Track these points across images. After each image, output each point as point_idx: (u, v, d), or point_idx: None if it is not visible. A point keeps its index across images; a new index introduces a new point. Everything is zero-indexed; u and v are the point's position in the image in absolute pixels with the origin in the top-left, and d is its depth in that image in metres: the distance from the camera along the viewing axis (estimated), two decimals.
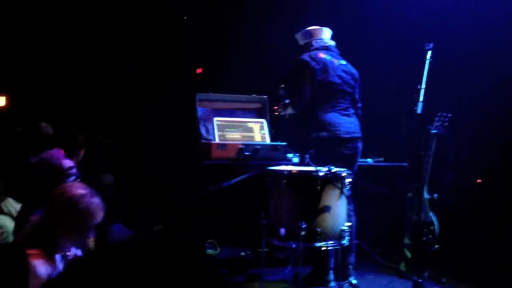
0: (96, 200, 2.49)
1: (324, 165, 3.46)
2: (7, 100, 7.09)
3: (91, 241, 3.94)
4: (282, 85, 4.36)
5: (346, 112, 4.17)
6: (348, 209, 3.72)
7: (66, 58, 6.50)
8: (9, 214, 3.23)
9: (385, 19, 5.43)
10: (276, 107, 4.43)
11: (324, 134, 3.98)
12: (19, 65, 6.53)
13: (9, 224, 3.19)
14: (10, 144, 5.18)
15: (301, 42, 4.33)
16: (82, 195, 2.48)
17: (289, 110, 4.32)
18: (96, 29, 6.47)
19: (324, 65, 4.08)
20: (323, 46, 4.23)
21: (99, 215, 2.48)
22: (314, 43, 4.25)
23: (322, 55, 4.15)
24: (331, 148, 3.98)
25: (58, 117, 5.56)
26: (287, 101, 4.31)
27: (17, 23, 6.34)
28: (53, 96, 6.45)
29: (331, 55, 4.20)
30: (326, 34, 4.31)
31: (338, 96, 4.13)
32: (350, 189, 3.61)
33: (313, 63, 4.05)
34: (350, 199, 3.90)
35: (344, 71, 4.19)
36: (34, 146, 4.82)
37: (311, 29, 4.27)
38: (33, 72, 6.57)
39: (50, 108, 6.20)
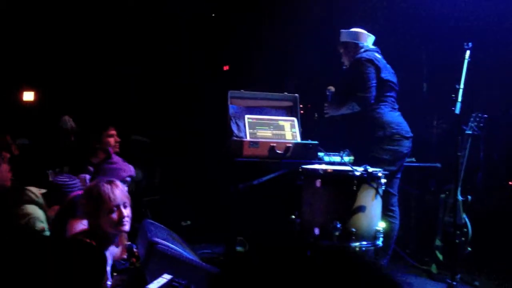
0: (107, 185, 2.68)
1: (383, 165, 3.47)
2: (35, 95, 7.20)
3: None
4: (330, 87, 4.38)
5: (399, 112, 4.27)
6: (395, 212, 3.75)
7: (98, 53, 6.57)
8: (32, 202, 3.27)
9: (416, 18, 5.36)
10: (325, 108, 4.41)
11: (389, 132, 4.02)
12: (48, 60, 6.62)
13: (34, 211, 3.24)
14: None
15: (346, 39, 4.34)
16: (95, 184, 2.72)
17: (344, 110, 4.27)
18: (127, 26, 6.52)
19: (384, 65, 4.17)
20: (374, 49, 4.28)
21: (114, 196, 2.65)
22: (363, 46, 4.28)
23: (377, 55, 4.21)
24: (394, 147, 4.01)
25: (86, 112, 5.63)
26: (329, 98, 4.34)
27: (45, 21, 6.41)
28: (82, 92, 6.53)
29: (382, 57, 4.29)
30: (371, 41, 4.38)
31: (393, 96, 4.23)
32: (398, 191, 3.64)
33: (376, 62, 4.09)
34: (396, 202, 3.93)
35: (393, 73, 4.28)
36: (57, 139, 4.90)
37: (361, 31, 4.33)
38: (63, 67, 6.66)
39: (78, 104, 6.27)
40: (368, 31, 4.41)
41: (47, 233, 3.18)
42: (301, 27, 5.76)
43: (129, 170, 3.59)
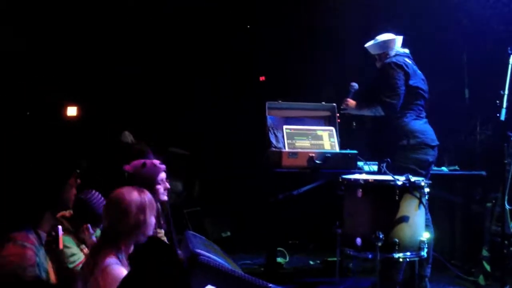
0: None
1: (408, 173, 3.39)
2: (78, 110, 7.39)
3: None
4: (354, 83, 4.31)
5: (426, 120, 4.15)
6: (426, 219, 3.62)
7: (135, 68, 6.71)
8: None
9: (457, 22, 5.27)
10: (346, 104, 4.27)
11: (413, 141, 3.92)
12: (90, 76, 6.80)
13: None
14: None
15: (376, 52, 4.26)
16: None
17: (366, 112, 4.20)
18: (168, 40, 6.63)
19: (413, 70, 4.08)
20: (404, 54, 4.20)
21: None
22: (393, 51, 4.19)
23: (408, 60, 4.12)
24: (419, 156, 3.91)
25: (128, 126, 5.73)
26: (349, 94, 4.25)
27: (86, 34, 6.59)
28: (123, 106, 6.67)
29: (412, 62, 4.17)
30: (399, 43, 4.25)
31: (421, 103, 4.11)
32: (427, 199, 3.52)
33: (406, 68, 4.01)
34: (427, 209, 3.80)
35: (423, 79, 4.16)
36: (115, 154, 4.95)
37: (387, 39, 4.20)
38: (104, 82, 6.82)
39: (120, 118, 6.41)
40: (408, 38, 4.31)
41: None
42: (338, 35, 5.73)
43: None
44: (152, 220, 2.58)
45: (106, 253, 2.43)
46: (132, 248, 2.54)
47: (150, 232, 2.61)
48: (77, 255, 3.09)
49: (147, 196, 2.57)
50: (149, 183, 3.16)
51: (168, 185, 3.42)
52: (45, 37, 6.34)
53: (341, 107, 4.34)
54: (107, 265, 2.36)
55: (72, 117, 7.35)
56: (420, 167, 3.87)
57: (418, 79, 4.11)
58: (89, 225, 3.16)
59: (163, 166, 3.36)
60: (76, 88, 6.90)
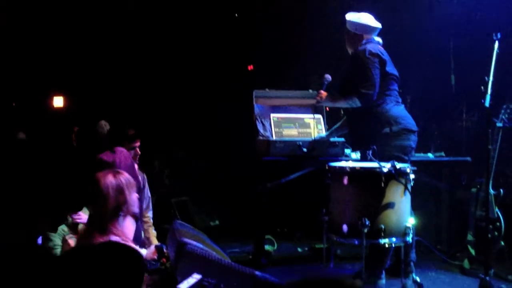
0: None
1: (392, 160, 3.41)
2: (64, 100, 7.34)
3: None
4: (327, 75, 4.21)
5: (403, 105, 4.13)
6: None
7: (123, 59, 6.66)
8: None
9: (443, 8, 5.27)
10: (319, 96, 4.21)
11: (395, 128, 3.90)
12: (77, 66, 6.74)
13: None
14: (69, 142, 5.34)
15: (353, 29, 4.15)
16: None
17: (343, 104, 4.16)
18: (149, 28, 6.59)
19: (388, 58, 4.04)
20: (378, 42, 4.16)
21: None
22: (370, 37, 4.14)
23: (381, 47, 4.09)
24: (402, 142, 3.91)
25: (114, 117, 5.70)
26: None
27: (73, 24, 6.52)
28: (110, 97, 6.63)
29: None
30: (376, 32, 4.21)
31: (396, 89, 4.09)
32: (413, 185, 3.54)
33: (382, 56, 3.98)
34: None
35: (394, 65, 4.12)
36: (91, 143, 4.97)
37: (371, 25, 4.15)
38: (90, 73, 6.77)
39: (107, 108, 6.37)
40: (394, 25, 4.29)
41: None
42: (326, 23, 5.72)
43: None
44: (133, 197, 2.68)
45: (95, 237, 2.51)
46: (124, 226, 2.63)
47: (135, 209, 2.71)
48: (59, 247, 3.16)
49: (123, 176, 2.67)
50: (126, 165, 3.20)
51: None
52: (32, 26, 6.27)
53: (316, 100, 4.28)
54: None
55: (58, 108, 7.31)
56: (403, 153, 3.88)
57: (392, 66, 4.07)
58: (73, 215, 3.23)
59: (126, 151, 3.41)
60: (63, 78, 6.85)
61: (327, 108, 4.82)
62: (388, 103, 3.97)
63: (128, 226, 2.69)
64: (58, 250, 3.30)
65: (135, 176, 3.16)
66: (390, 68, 4.03)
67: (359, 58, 3.99)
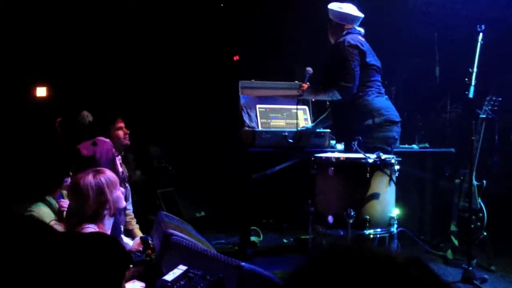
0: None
1: (376, 151, 3.42)
2: (48, 90, 7.24)
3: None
4: (308, 67, 4.19)
5: (386, 96, 4.12)
6: None
7: (107, 49, 6.58)
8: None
9: (428, 2, 5.29)
10: (302, 89, 4.18)
11: (378, 120, 3.88)
12: (60, 56, 6.65)
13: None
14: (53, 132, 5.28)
15: (335, 19, 4.15)
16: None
17: (323, 96, 4.14)
18: (134, 18, 6.52)
19: (368, 48, 4.02)
20: (358, 32, 4.14)
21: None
22: (351, 27, 4.13)
23: (361, 38, 4.07)
24: (385, 133, 3.90)
25: (98, 107, 5.65)
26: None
27: (58, 14, 6.42)
28: (94, 87, 6.56)
29: (365, 40, 4.12)
30: (357, 22, 4.19)
31: (379, 80, 4.07)
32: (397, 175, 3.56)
33: (361, 47, 3.96)
34: None
35: (375, 56, 4.11)
36: (74, 134, 4.93)
37: (353, 15, 4.13)
38: (73, 63, 6.69)
39: (91, 98, 6.30)
40: (377, 17, 4.28)
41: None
42: (310, 14, 5.69)
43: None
44: (116, 195, 2.64)
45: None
46: (109, 226, 2.59)
47: (121, 204, 2.69)
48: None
49: (104, 175, 2.63)
50: (108, 158, 3.15)
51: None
52: (16, 16, 6.16)
53: (297, 92, 4.26)
54: None
55: (41, 98, 7.20)
56: (386, 144, 3.87)
57: (373, 57, 4.05)
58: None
59: (109, 141, 3.36)
60: (46, 68, 6.75)
61: (313, 100, 4.81)
62: (370, 95, 3.95)
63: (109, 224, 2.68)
64: None
65: (116, 171, 3.12)
66: (371, 59, 4.01)
67: (339, 50, 3.97)
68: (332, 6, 4.15)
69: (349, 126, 3.97)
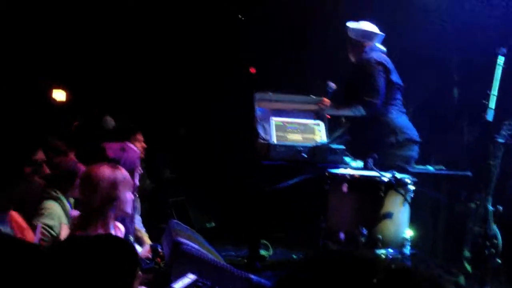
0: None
1: (394, 170, 3.40)
2: (67, 95, 7.32)
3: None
4: (331, 83, 4.21)
5: (407, 116, 4.12)
6: None
7: (125, 56, 6.65)
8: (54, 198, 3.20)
9: (449, 20, 5.26)
10: (323, 104, 4.22)
11: (401, 138, 3.90)
12: (79, 60, 6.73)
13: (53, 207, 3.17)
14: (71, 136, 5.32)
15: (355, 37, 4.17)
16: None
17: (347, 112, 4.16)
18: (150, 29, 6.57)
19: (393, 67, 4.04)
20: (381, 50, 4.16)
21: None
22: (370, 46, 4.15)
23: (385, 56, 4.09)
24: (406, 152, 3.90)
25: (116, 113, 5.69)
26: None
27: (76, 19, 6.50)
28: (113, 92, 6.62)
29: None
30: (379, 40, 4.21)
31: (400, 98, 4.11)
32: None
33: (386, 64, 3.98)
34: None
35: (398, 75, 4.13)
36: (96, 138, 4.96)
37: (372, 31, 4.15)
38: (92, 68, 6.76)
39: (109, 103, 6.36)
40: (400, 34, 4.29)
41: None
42: (329, 29, 5.70)
43: None
44: (127, 196, 2.58)
45: (86, 229, 2.44)
46: (111, 227, 2.54)
47: (128, 209, 2.62)
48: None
49: (121, 172, 2.59)
50: (131, 167, 3.14)
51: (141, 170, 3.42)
52: (33, 22, 6.26)
53: (319, 107, 4.27)
54: None
55: (60, 102, 7.28)
56: (406, 163, 3.90)
57: (397, 75, 4.09)
58: None
59: (139, 151, 3.34)
60: (65, 72, 6.84)
61: (328, 115, 4.80)
62: (393, 113, 3.98)
63: (117, 225, 2.65)
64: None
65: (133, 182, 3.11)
66: (395, 77, 4.04)
67: (364, 67, 3.99)
68: (351, 24, 4.18)
69: (370, 143, 3.97)
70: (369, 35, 4.14)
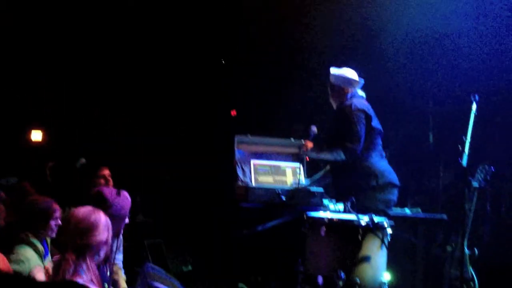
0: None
1: (375, 213, 3.42)
2: (43, 135, 7.25)
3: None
4: (313, 126, 4.26)
5: (387, 160, 4.20)
6: None
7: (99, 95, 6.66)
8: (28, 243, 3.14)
9: (423, 68, 5.43)
10: (306, 147, 4.24)
11: (381, 182, 3.97)
12: (55, 101, 6.71)
13: (27, 253, 3.11)
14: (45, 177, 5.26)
15: (337, 83, 4.25)
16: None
17: (328, 156, 4.22)
18: (134, 65, 6.62)
19: (373, 113, 4.14)
20: (362, 97, 4.26)
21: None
22: (352, 92, 4.24)
23: (366, 102, 4.19)
24: (387, 196, 3.96)
25: (94, 154, 5.65)
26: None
27: (53, 59, 6.52)
28: (88, 132, 6.58)
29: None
30: (360, 85, 4.30)
31: (380, 143, 4.18)
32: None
33: (368, 111, 4.07)
34: None
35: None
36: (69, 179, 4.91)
37: (354, 79, 4.25)
38: (69, 107, 6.74)
39: (85, 143, 6.31)
40: (374, 80, 4.40)
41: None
42: (310, 73, 5.83)
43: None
44: (104, 240, 2.56)
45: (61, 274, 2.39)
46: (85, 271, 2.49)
47: (102, 254, 2.59)
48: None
49: (101, 215, 2.58)
50: (122, 213, 3.09)
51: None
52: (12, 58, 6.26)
53: (301, 150, 4.32)
54: None
55: (37, 142, 7.20)
56: (387, 206, 3.96)
57: (377, 121, 4.18)
58: None
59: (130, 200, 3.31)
60: (42, 112, 6.79)
61: (307, 158, 4.84)
62: (374, 157, 4.07)
63: (95, 268, 2.60)
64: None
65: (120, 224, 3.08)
66: (375, 123, 4.14)
67: (345, 113, 4.08)
68: (334, 70, 4.28)
69: (352, 186, 4.01)
70: (350, 81, 4.23)
